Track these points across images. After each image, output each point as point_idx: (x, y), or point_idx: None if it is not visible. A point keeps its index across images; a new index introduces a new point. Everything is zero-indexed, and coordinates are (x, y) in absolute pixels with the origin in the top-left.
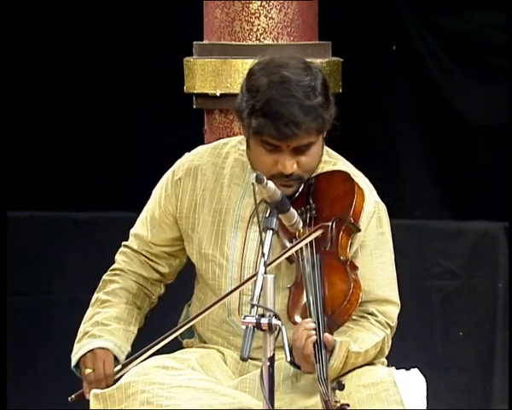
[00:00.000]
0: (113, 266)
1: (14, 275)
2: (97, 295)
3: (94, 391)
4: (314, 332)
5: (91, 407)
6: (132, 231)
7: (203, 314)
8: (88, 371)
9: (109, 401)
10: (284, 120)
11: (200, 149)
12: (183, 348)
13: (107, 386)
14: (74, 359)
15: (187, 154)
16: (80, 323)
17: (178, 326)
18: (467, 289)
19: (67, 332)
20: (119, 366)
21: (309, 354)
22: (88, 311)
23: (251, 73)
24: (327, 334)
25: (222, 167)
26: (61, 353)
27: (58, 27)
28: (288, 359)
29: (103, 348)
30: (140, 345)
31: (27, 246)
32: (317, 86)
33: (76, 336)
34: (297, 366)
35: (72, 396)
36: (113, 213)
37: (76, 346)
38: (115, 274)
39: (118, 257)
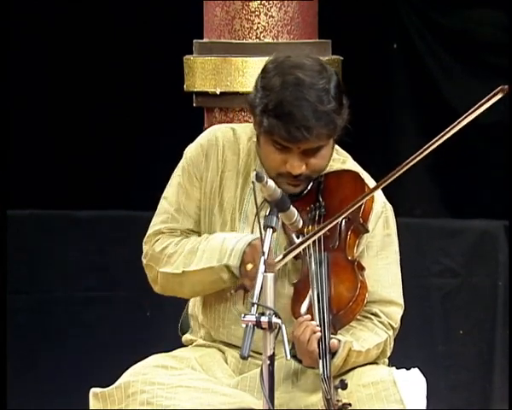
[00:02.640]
0: (171, 245)
1: (14, 274)
2: (185, 252)
3: (93, 390)
4: (319, 328)
5: (91, 406)
6: (159, 227)
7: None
8: (249, 266)
9: (109, 400)
10: (296, 124)
11: (212, 129)
12: (182, 345)
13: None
14: (236, 258)
15: (191, 145)
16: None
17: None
18: (467, 288)
19: (67, 330)
20: (281, 256)
21: (313, 350)
22: (193, 263)
23: (266, 70)
24: (334, 340)
25: (237, 154)
26: (61, 351)
27: (58, 27)
28: (288, 357)
29: (258, 239)
30: (138, 348)
31: (27, 244)
32: (330, 90)
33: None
34: (298, 360)
35: (232, 291)
36: (114, 212)
37: (219, 260)
38: (180, 242)
39: (168, 240)
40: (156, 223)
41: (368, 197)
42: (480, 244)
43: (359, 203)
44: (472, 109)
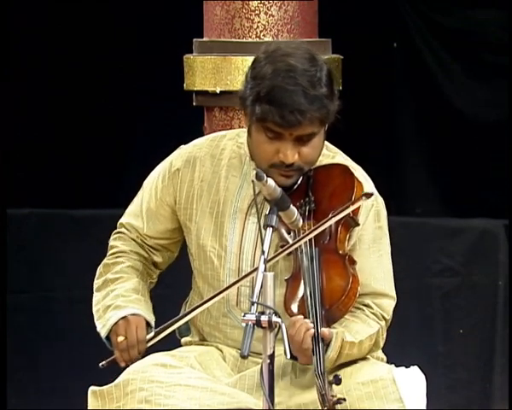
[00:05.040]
0: (112, 251)
1: (14, 273)
2: (104, 277)
3: (92, 388)
4: (312, 326)
5: (89, 404)
6: (124, 221)
7: (206, 305)
8: (120, 338)
9: (107, 398)
10: (289, 108)
11: (197, 141)
12: (181, 346)
13: (139, 353)
14: (106, 328)
15: (183, 146)
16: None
17: (193, 307)
18: (467, 287)
19: (67, 329)
20: (152, 333)
21: (307, 348)
22: (98, 294)
23: (257, 60)
24: (324, 329)
25: (220, 159)
26: (61, 350)
27: (58, 27)
28: (288, 356)
29: (135, 315)
30: None
31: (27, 243)
32: (322, 77)
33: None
34: (294, 357)
35: (104, 363)
36: (113, 211)
37: (100, 321)
38: (118, 256)
39: (115, 242)
40: (127, 212)
41: (355, 195)
42: (480, 243)
43: (349, 210)
44: (339, 210)
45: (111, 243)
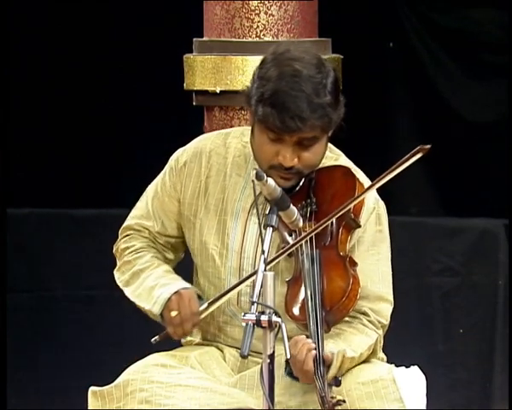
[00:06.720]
0: (130, 250)
1: (13, 272)
2: (132, 271)
3: (92, 389)
4: (314, 346)
5: (89, 404)
6: (132, 222)
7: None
8: (174, 313)
9: (107, 398)
10: (290, 113)
11: (202, 137)
12: (181, 346)
13: (194, 326)
14: (159, 304)
15: (180, 149)
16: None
17: (238, 282)
18: (467, 287)
19: (67, 329)
20: (205, 305)
21: (309, 369)
22: (130, 286)
23: (264, 62)
24: (326, 352)
25: (225, 157)
26: (61, 350)
27: (58, 27)
28: (288, 356)
29: (186, 288)
30: (138, 346)
31: (27, 243)
32: (327, 84)
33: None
34: (295, 378)
35: (156, 338)
36: (113, 211)
37: (147, 302)
38: (138, 252)
39: (129, 243)
40: (131, 216)
41: (359, 199)
42: (480, 243)
43: (351, 205)
44: (393, 167)
45: (122, 245)
